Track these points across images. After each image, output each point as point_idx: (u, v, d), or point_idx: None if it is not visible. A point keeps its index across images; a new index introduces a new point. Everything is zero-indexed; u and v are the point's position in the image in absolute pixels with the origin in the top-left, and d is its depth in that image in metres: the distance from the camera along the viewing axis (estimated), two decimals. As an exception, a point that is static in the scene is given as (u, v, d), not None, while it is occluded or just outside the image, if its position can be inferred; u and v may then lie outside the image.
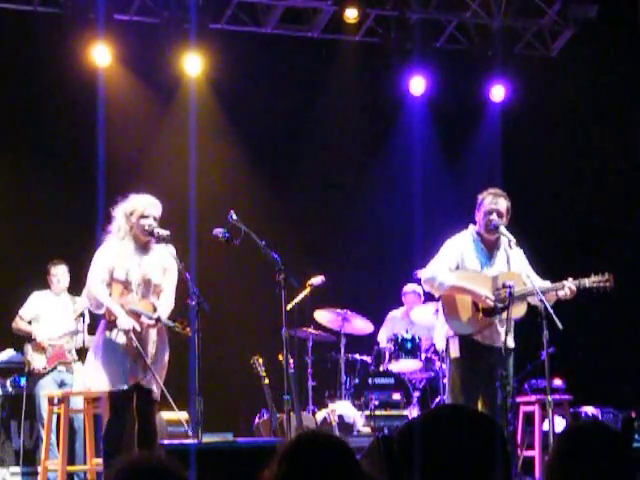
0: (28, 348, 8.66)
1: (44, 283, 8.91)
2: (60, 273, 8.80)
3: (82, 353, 8.27)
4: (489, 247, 6.79)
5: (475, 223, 6.82)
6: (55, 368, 8.64)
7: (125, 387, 6.32)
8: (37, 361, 8.58)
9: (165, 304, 6.53)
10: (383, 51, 10.78)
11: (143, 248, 6.52)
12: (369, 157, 11.07)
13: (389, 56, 10.75)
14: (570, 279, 6.66)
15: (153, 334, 6.49)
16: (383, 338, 9.64)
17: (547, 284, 6.71)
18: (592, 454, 2.45)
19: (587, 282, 6.68)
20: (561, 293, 6.63)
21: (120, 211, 6.52)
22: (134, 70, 10.03)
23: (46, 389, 8.44)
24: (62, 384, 8.63)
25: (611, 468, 2.44)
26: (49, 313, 8.73)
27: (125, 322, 6.33)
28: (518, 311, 6.62)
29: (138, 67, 10.01)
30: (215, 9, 10.19)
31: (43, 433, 8.29)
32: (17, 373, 8.89)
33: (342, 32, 10.78)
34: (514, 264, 6.76)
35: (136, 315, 6.39)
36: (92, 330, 7.89)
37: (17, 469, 8.67)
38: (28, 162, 9.76)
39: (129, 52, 9.91)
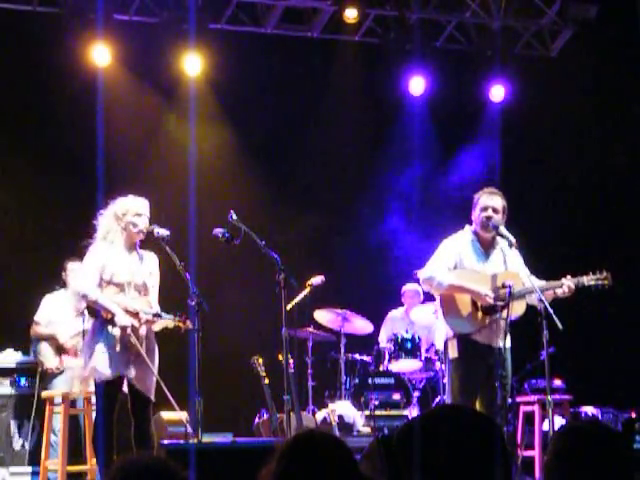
0: (42, 348, 8.64)
1: (49, 285, 8.85)
2: (77, 269, 8.76)
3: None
4: (485, 247, 6.80)
5: (471, 223, 6.84)
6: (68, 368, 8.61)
7: (111, 377, 6.31)
8: (51, 361, 8.56)
9: (156, 305, 6.57)
10: (383, 51, 10.78)
11: (132, 249, 6.54)
12: (369, 157, 11.06)
13: (389, 56, 10.75)
14: (568, 277, 6.68)
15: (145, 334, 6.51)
16: (383, 338, 9.64)
17: (543, 283, 6.72)
18: (589, 453, 2.45)
19: (585, 280, 6.70)
20: (559, 291, 6.64)
21: (109, 214, 6.52)
22: (134, 70, 10.02)
23: (60, 389, 8.43)
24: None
25: (609, 467, 2.44)
26: (61, 314, 8.69)
27: (124, 319, 6.34)
28: (517, 309, 6.62)
29: (138, 67, 10.00)
30: (215, 9, 10.19)
31: (51, 435, 8.34)
32: (18, 373, 8.86)
33: (342, 32, 10.77)
34: (511, 264, 6.77)
35: (133, 313, 6.41)
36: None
37: (17, 469, 8.65)
38: (27, 162, 9.74)
39: (129, 52, 9.90)
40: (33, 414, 8.57)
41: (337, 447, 2.38)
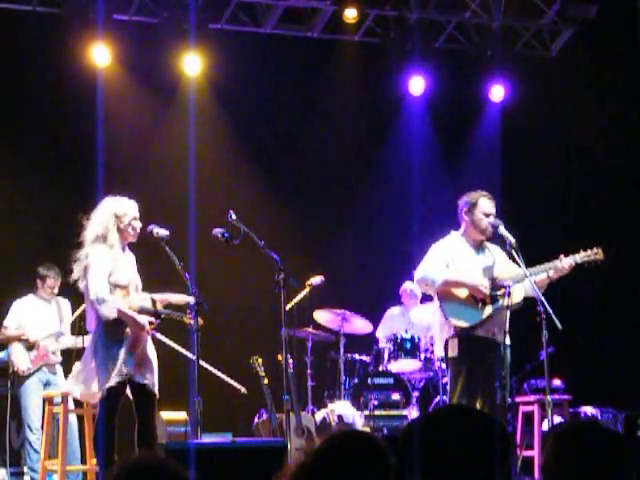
0: (13, 350, 8.59)
1: (25, 286, 8.82)
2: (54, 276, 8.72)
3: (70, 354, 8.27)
4: (475, 249, 6.86)
5: (457, 229, 6.88)
6: (40, 369, 8.58)
7: (115, 383, 6.29)
8: (22, 362, 8.52)
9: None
10: (382, 51, 10.78)
11: (125, 250, 6.55)
12: (368, 157, 11.06)
13: (388, 56, 10.75)
14: (562, 256, 6.71)
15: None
16: (381, 335, 9.63)
17: (537, 268, 6.75)
18: (589, 454, 2.45)
19: (578, 258, 6.73)
20: (551, 273, 6.67)
21: (106, 215, 6.47)
22: (134, 70, 10.02)
23: (33, 389, 8.44)
24: (47, 384, 8.57)
25: (608, 468, 2.44)
26: (33, 318, 8.64)
27: (143, 320, 6.32)
28: (515, 297, 6.63)
29: (138, 67, 10.00)
30: (214, 9, 10.19)
31: (28, 434, 8.35)
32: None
33: (341, 32, 10.77)
34: (499, 261, 6.83)
35: (146, 312, 6.40)
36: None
37: (3, 470, 8.64)
38: (26, 162, 9.74)
39: (129, 52, 9.90)
40: (9, 415, 8.60)
41: (371, 447, 2.38)
